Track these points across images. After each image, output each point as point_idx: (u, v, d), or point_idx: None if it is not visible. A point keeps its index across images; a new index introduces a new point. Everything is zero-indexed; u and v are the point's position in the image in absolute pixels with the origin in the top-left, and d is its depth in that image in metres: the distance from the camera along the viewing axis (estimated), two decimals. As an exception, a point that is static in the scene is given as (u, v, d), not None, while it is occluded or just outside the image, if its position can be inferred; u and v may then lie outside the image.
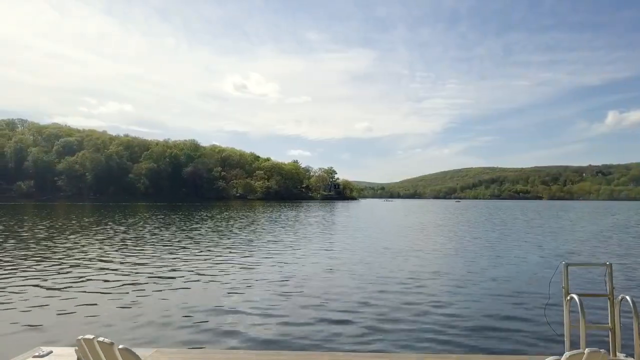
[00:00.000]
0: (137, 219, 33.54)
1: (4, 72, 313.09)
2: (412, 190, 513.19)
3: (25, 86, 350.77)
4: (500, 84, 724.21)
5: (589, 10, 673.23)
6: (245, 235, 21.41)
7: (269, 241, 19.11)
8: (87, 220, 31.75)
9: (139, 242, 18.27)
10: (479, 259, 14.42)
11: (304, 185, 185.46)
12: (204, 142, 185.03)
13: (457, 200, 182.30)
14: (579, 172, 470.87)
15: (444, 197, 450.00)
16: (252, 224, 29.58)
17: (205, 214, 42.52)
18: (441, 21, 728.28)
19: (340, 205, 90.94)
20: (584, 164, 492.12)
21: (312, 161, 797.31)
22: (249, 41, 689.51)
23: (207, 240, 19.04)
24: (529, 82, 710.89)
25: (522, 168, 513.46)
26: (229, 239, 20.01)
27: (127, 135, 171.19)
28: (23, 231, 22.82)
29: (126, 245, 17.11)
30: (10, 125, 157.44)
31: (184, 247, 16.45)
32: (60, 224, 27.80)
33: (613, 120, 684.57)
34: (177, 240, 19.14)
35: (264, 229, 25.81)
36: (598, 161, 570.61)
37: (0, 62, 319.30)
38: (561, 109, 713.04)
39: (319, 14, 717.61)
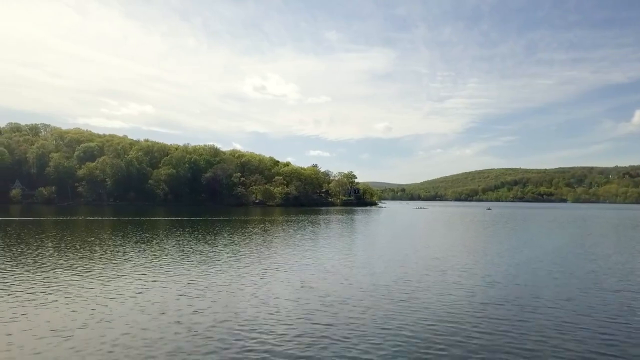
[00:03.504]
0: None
1: (28, 74, 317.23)
2: (433, 192, 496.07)
3: (48, 88, 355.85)
4: (523, 83, 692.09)
5: (614, 7, 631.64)
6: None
7: None
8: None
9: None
10: None
11: (323, 190, 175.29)
12: (225, 143, 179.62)
13: (489, 208, 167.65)
14: (604, 174, 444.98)
15: (466, 199, 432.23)
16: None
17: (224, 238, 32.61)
18: (462, 19, 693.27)
19: (360, 218, 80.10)
20: (610, 165, 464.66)
21: (332, 162, 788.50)
22: (269, 41, 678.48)
23: None
24: (552, 80, 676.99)
25: (546, 169, 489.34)
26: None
27: (147, 140, 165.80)
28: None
29: None
30: (34, 130, 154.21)
31: None
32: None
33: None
34: None
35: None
36: (625, 162, 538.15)
37: (24, 63, 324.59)
38: (586, 108, 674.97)
39: (338, 14, 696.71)
